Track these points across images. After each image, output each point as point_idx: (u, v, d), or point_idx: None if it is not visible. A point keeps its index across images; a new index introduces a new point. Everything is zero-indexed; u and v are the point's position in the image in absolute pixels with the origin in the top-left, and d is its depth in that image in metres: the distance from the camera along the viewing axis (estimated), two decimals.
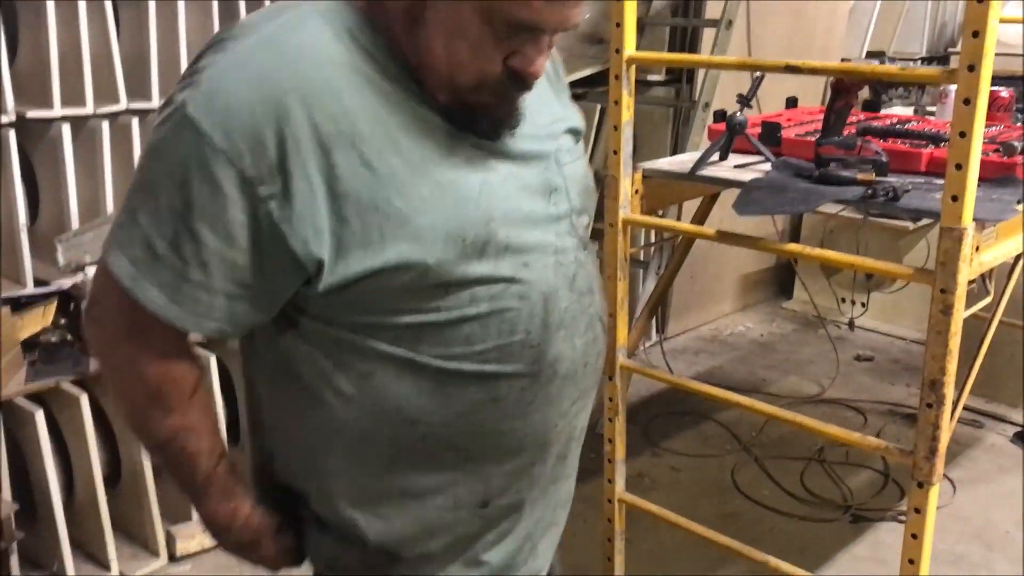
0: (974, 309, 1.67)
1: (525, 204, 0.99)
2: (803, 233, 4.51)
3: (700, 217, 2.11)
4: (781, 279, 4.77)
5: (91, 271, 2.34)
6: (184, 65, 2.46)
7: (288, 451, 1.09)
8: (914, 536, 1.63)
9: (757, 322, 4.53)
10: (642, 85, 3.74)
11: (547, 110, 1.07)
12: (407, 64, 0.94)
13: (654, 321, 4.12)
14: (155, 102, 2.46)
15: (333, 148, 0.89)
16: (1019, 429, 3.32)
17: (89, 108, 2.35)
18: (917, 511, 1.62)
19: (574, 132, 1.12)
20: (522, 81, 0.94)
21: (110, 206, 2.43)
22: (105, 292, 0.96)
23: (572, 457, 1.14)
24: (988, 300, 1.77)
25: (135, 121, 2.46)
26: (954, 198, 1.44)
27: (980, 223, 1.49)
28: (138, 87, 2.46)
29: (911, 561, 1.64)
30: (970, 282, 1.53)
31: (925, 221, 3.05)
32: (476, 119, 0.96)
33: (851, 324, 4.09)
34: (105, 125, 2.41)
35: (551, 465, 1.08)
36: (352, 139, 0.90)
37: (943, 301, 1.50)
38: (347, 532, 1.05)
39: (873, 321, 4.28)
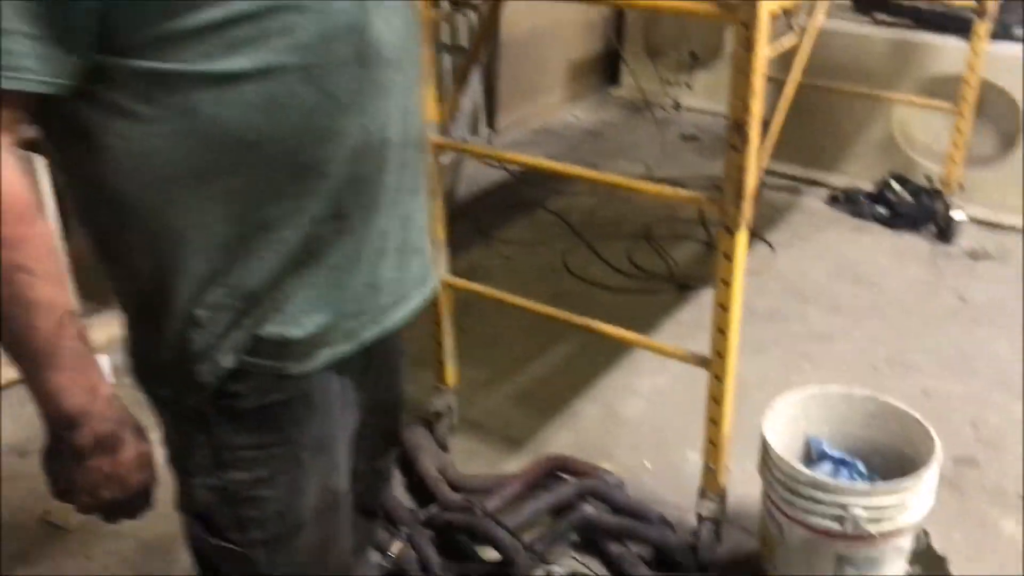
0: (778, 48, 1.64)
1: None
2: (629, 17, 4.44)
3: None
4: (608, 66, 4.72)
5: None
6: None
7: (140, 253, 0.99)
8: (725, 283, 1.65)
9: (586, 111, 4.50)
10: None
11: None
12: None
13: (483, 116, 4.02)
14: None
15: None
16: (833, 192, 3.46)
17: None
18: (727, 257, 1.63)
19: None
20: None
21: None
22: None
23: (413, 170, 1.12)
24: (792, 38, 1.74)
25: None
26: None
27: None
28: None
29: (723, 307, 1.67)
30: (773, 17, 1.49)
31: None
32: None
33: (677, 105, 4.11)
34: None
35: (395, 172, 1.07)
36: None
37: (745, 37, 1.45)
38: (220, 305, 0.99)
39: (698, 101, 4.31)
